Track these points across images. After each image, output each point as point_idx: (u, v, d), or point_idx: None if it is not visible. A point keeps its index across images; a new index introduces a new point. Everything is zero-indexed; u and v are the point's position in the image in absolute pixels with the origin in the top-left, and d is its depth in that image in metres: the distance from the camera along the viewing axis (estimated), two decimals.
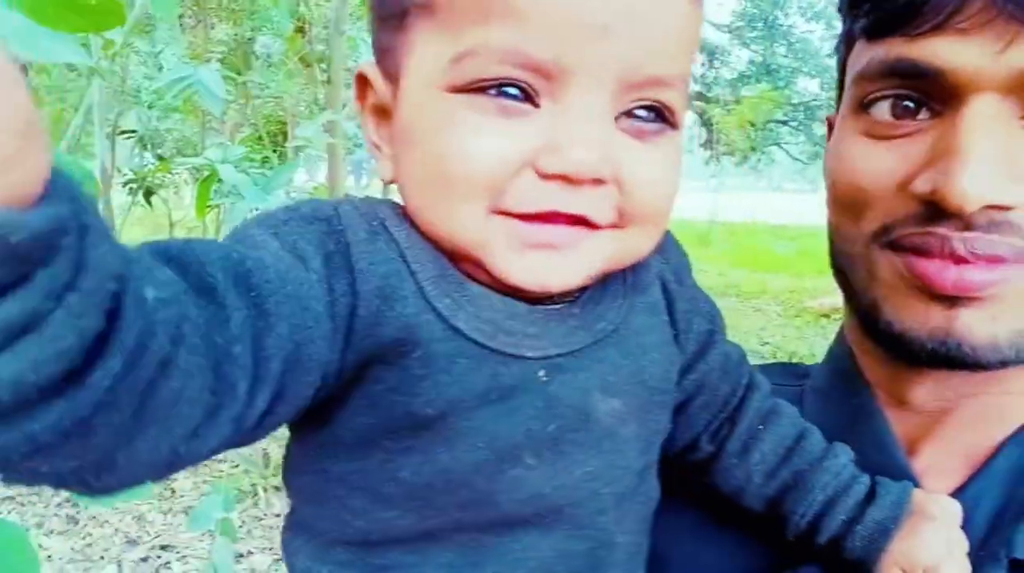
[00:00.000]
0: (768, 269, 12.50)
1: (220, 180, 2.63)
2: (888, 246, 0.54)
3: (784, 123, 15.97)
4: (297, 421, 0.46)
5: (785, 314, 9.23)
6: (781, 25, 14.84)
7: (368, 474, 0.47)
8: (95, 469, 0.31)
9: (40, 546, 3.00)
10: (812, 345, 7.54)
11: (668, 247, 0.56)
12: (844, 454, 0.58)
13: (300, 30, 2.47)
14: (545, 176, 0.43)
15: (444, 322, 0.45)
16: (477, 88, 0.43)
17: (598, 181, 0.44)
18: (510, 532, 0.48)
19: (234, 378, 0.35)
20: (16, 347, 0.25)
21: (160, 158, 6.61)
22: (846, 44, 0.60)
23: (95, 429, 0.29)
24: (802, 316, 8.95)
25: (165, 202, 6.49)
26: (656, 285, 0.55)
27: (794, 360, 7.05)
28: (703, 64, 16.43)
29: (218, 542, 1.68)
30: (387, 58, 0.48)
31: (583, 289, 0.50)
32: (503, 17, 0.42)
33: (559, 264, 0.45)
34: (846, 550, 0.55)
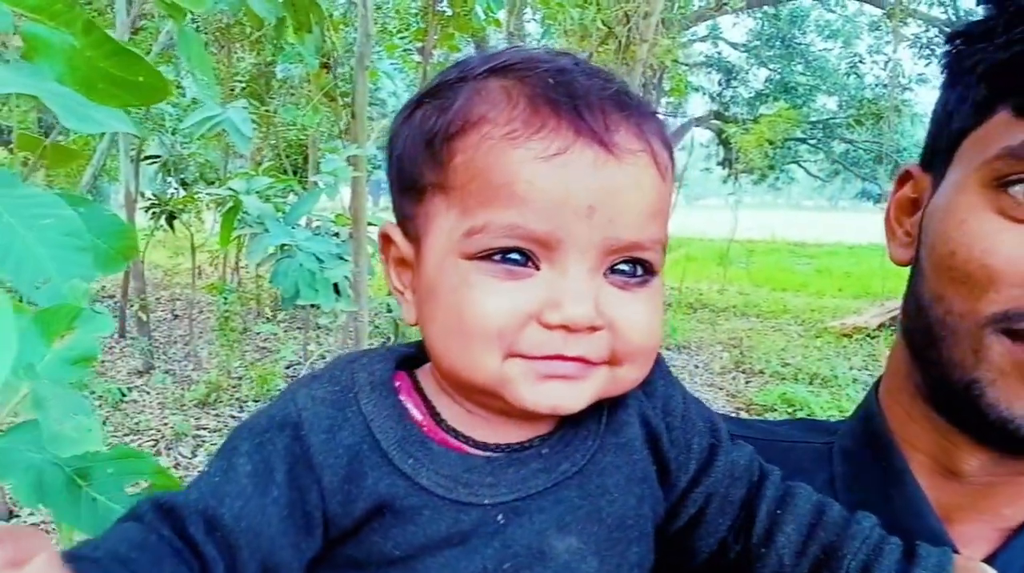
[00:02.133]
0: (788, 288, 12.41)
1: (244, 210, 2.68)
2: (1006, 332, 0.55)
3: (803, 141, 15.92)
4: None
5: (806, 334, 9.13)
6: (799, 44, 14.85)
7: None
8: None
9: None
10: (833, 366, 7.43)
11: (653, 381, 0.62)
12: (867, 520, 0.59)
13: (325, 66, 2.52)
14: (548, 327, 0.52)
15: (409, 480, 0.54)
16: (486, 256, 0.52)
17: (592, 328, 0.53)
18: None
19: None
20: None
21: (183, 183, 6.71)
22: (979, 110, 0.58)
23: None
24: (823, 336, 8.85)
25: (187, 226, 6.58)
26: (634, 424, 0.61)
27: (816, 381, 6.98)
28: (720, 83, 16.45)
29: None
30: (408, 222, 0.58)
31: (554, 430, 0.58)
32: (507, 201, 0.51)
33: (570, 391, 0.53)
34: None
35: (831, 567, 0.58)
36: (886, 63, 12.37)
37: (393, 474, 0.53)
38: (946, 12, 10.82)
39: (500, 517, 0.54)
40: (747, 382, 7.29)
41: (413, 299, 0.58)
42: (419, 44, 3.73)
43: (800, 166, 18.31)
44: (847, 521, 0.59)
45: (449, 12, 3.11)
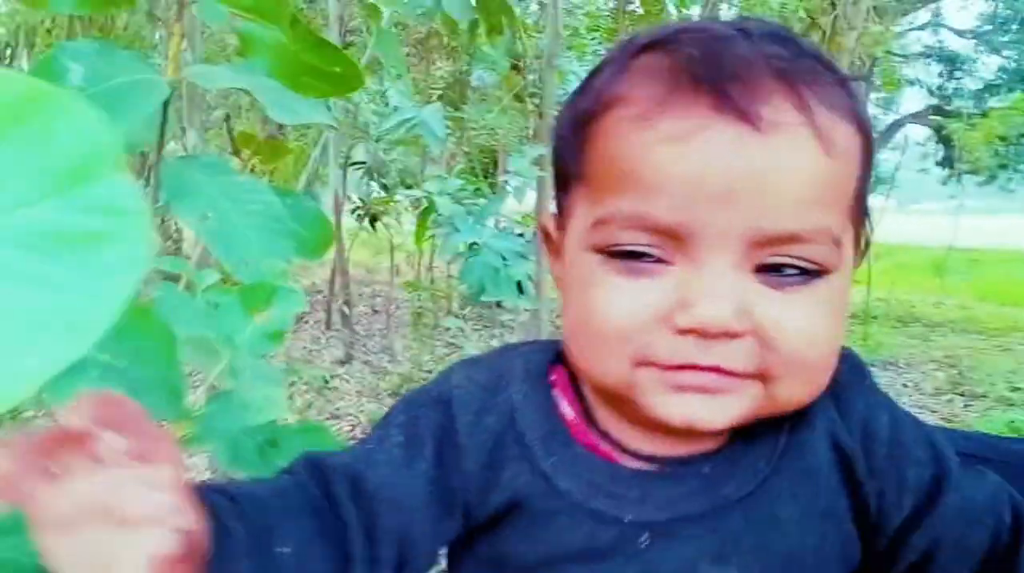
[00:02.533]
0: (1020, 303, 10.98)
1: (437, 211, 2.81)
2: None
3: None
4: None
5: None
6: None
7: None
8: None
9: None
10: None
11: (851, 398, 0.53)
12: None
13: (516, 67, 2.58)
14: (680, 331, 0.46)
15: (547, 481, 0.50)
16: (613, 250, 0.47)
17: (731, 334, 0.45)
18: None
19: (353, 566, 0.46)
20: None
21: (384, 187, 7.19)
22: None
23: None
24: None
25: (387, 227, 7.03)
26: (821, 448, 0.51)
27: None
28: (941, 75, 14.88)
29: None
30: (560, 212, 0.55)
31: (721, 448, 0.51)
32: (634, 189, 0.46)
33: (707, 406, 0.47)
34: None
35: None
36: None
37: (533, 471, 0.50)
38: None
39: (644, 538, 0.48)
40: (965, 406, 6.50)
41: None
42: (608, 45, 3.71)
43: None
44: None
45: (640, 11, 3.07)
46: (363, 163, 6.98)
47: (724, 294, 0.45)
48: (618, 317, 0.47)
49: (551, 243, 0.57)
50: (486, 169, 5.74)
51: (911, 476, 0.51)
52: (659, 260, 0.47)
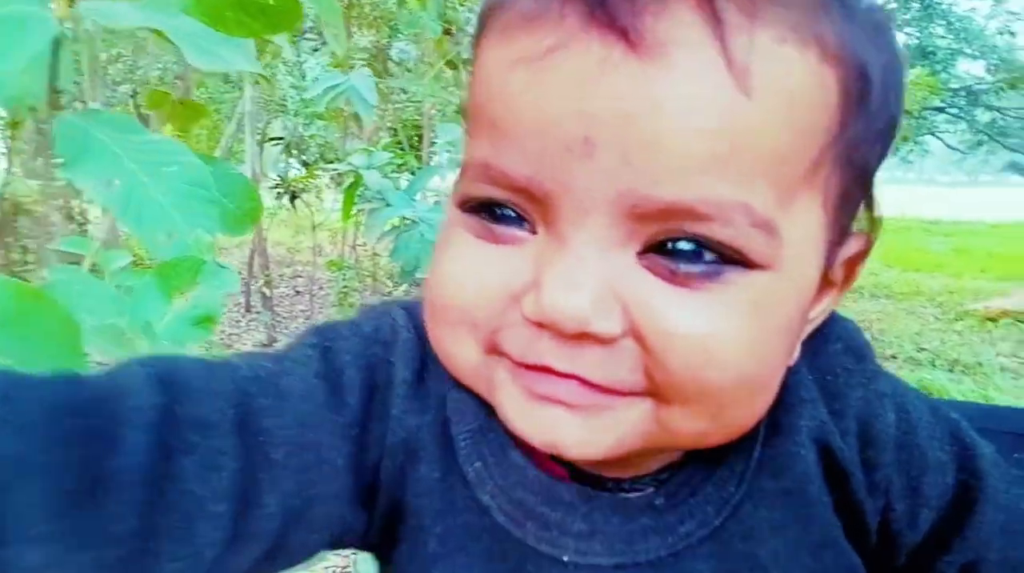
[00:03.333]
0: (922, 269, 11.58)
1: (364, 186, 2.68)
2: None
3: (941, 110, 14.72)
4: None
5: (944, 318, 8.47)
6: (939, 4, 13.68)
7: None
8: None
9: None
10: (977, 352, 6.86)
11: (844, 392, 0.41)
12: None
13: (447, 32, 2.47)
14: (530, 321, 0.34)
15: (469, 491, 0.38)
16: (473, 208, 0.37)
17: (592, 336, 0.33)
18: None
19: (204, 539, 0.32)
20: None
21: (304, 163, 6.93)
22: None
23: None
24: (964, 320, 8.18)
25: (308, 206, 6.79)
26: (805, 459, 0.39)
27: (957, 368, 6.45)
28: None
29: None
30: None
31: (674, 467, 0.39)
32: (487, 129, 0.35)
33: (575, 427, 0.34)
34: None
35: None
36: None
37: (453, 474, 0.39)
38: None
39: None
40: None
41: None
42: None
43: (936, 137, 16.98)
44: None
45: None
46: (281, 139, 6.71)
47: (582, 280, 0.32)
48: (460, 286, 0.36)
49: None
50: (412, 144, 5.60)
51: (927, 486, 0.41)
52: (522, 222, 0.36)
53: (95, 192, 0.51)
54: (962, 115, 15.35)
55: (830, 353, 0.41)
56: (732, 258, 0.33)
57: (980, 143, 16.65)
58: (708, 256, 0.33)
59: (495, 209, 0.36)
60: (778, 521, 0.39)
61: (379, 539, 0.40)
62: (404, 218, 2.18)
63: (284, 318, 7.04)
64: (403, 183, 2.77)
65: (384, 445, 0.38)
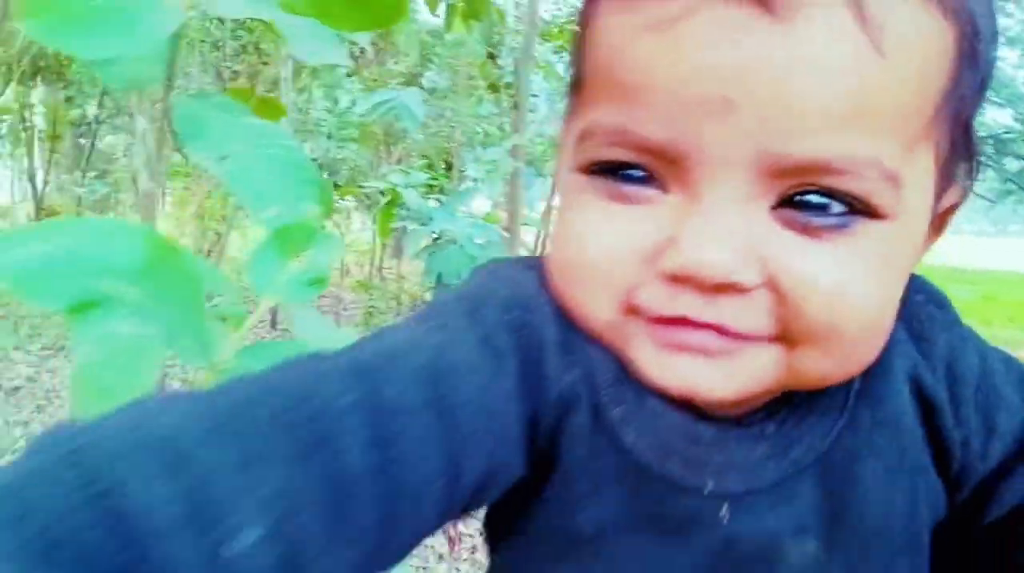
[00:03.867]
0: None
1: (402, 205, 2.74)
2: None
3: None
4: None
5: None
6: None
7: None
8: None
9: None
10: None
11: (932, 337, 0.44)
12: None
13: (491, 56, 2.53)
14: (667, 277, 0.36)
15: (612, 435, 0.40)
16: (597, 171, 0.38)
17: (735, 287, 0.35)
18: None
19: (428, 522, 0.34)
20: None
21: (336, 185, 7.06)
22: None
23: None
24: None
25: (337, 226, 6.90)
26: (901, 393, 0.42)
27: None
28: None
29: None
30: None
31: (780, 401, 0.41)
32: (615, 93, 0.36)
33: (709, 371, 0.37)
34: None
35: None
36: None
37: (598, 421, 0.40)
38: None
39: (724, 511, 0.40)
40: None
41: None
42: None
43: None
44: None
45: None
46: (314, 160, 6.85)
47: (723, 234, 0.34)
48: (596, 248, 0.38)
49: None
50: (444, 168, 5.70)
51: (1002, 421, 0.43)
52: (651, 182, 0.37)
53: (211, 165, 0.55)
54: (990, 164, 15.26)
55: (915, 302, 0.44)
56: (859, 209, 0.35)
57: (1009, 192, 16.52)
58: (836, 208, 0.35)
59: (622, 171, 0.38)
60: (876, 447, 0.42)
61: (524, 490, 0.41)
62: (437, 236, 2.22)
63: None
64: (432, 205, 2.83)
65: (542, 403, 0.39)
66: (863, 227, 0.36)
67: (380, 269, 7.47)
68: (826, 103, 0.33)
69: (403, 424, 0.32)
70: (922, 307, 0.44)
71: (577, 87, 0.41)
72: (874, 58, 0.33)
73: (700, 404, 0.40)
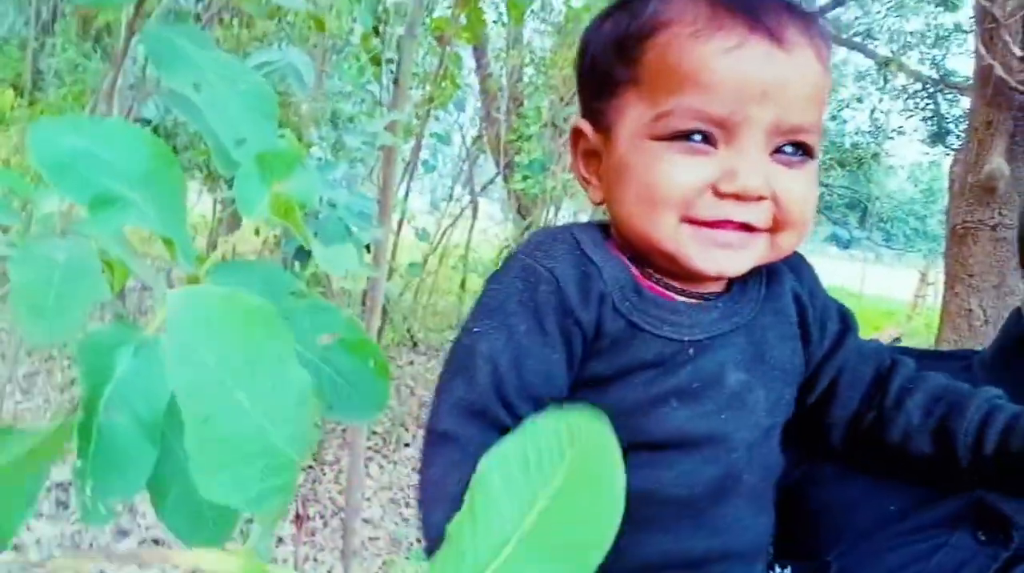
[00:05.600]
0: None
1: None
2: None
3: None
4: None
5: None
6: None
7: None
8: None
9: (28, 529, 2.93)
10: None
11: (802, 270, 0.74)
12: (993, 390, 0.68)
13: (376, 30, 2.53)
14: (722, 195, 0.63)
15: (625, 319, 0.65)
16: (672, 136, 0.63)
17: (760, 197, 0.63)
18: (660, 452, 0.65)
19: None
20: None
21: (173, 149, 6.56)
22: None
23: None
24: None
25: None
26: (787, 297, 0.72)
27: None
28: None
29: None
30: (599, 116, 0.69)
31: (726, 289, 0.69)
32: (693, 88, 0.62)
33: (733, 258, 0.65)
34: (1013, 447, 0.63)
35: (956, 420, 0.67)
36: (872, 112, 12.80)
37: (616, 314, 0.65)
38: (935, 68, 11.23)
39: (691, 350, 0.66)
40: None
41: (599, 183, 0.70)
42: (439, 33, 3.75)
43: None
44: (974, 389, 0.69)
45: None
46: (149, 122, 6.33)
47: (758, 170, 0.62)
48: (678, 184, 0.62)
49: (584, 143, 0.71)
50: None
51: (829, 326, 0.74)
52: (707, 142, 0.63)
53: (184, 93, 0.57)
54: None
55: (793, 255, 0.72)
56: (808, 153, 0.65)
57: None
58: (800, 152, 0.64)
59: (691, 135, 0.62)
60: (775, 321, 0.70)
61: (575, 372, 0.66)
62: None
63: None
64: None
65: (584, 335, 0.64)
66: (809, 163, 0.65)
67: (215, 246, 7.04)
68: (806, 93, 0.63)
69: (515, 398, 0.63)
70: (796, 258, 0.74)
71: (632, 85, 0.65)
72: (822, 71, 0.65)
73: (691, 286, 0.68)
